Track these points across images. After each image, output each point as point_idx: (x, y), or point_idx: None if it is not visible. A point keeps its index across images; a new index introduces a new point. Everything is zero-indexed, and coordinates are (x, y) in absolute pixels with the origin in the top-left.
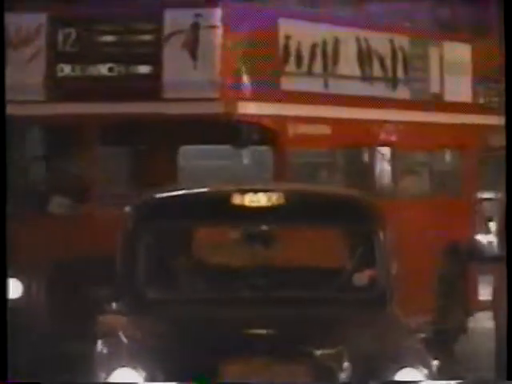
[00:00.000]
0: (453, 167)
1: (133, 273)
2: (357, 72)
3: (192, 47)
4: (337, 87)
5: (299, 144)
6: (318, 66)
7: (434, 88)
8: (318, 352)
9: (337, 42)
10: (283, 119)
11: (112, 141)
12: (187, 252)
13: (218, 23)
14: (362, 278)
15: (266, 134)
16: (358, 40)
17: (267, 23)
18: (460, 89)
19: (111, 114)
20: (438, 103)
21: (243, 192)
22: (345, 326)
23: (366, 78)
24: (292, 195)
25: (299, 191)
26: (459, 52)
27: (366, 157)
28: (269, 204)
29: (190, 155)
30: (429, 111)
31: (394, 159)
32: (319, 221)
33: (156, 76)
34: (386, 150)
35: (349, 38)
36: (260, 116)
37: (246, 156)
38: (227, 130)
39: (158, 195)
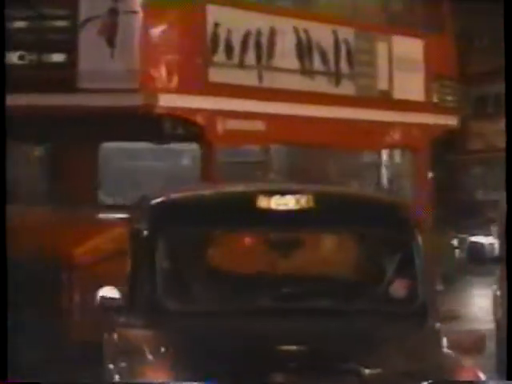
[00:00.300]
0: (402, 168)
1: (150, 283)
2: (295, 65)
3: (109, 34)
4: (272, 81)
5: (230, 141)
6: (251, 58)
7: (382, 84)
8: (367, 371)
9: (273, 32)
10: (211, 114)
11: (24, 135)
12: (208, 259)
13: (138, 8)
14: (400, 289)
15: (191, 129)
16: (296, 31)
17: (194, 9)
18: (411, 86)
19: (22, 106)
20: (386, 100)
21: (269, 194)
22: (387, 342)
23: (306, 71)
24: (322, 198)
25: (330, 193)
26: (410, 47)
27: (306, 157)
28: (297, 207)
29: (119, 155)
30: (376, 109)
31: (337, 159)
32: (353, 226)
33: (71, 65)
34: (328, 150)
35: (286, 29)
36: (185, 109)
37: (186, 156)
38: (148, 125)
39: (176, 196)
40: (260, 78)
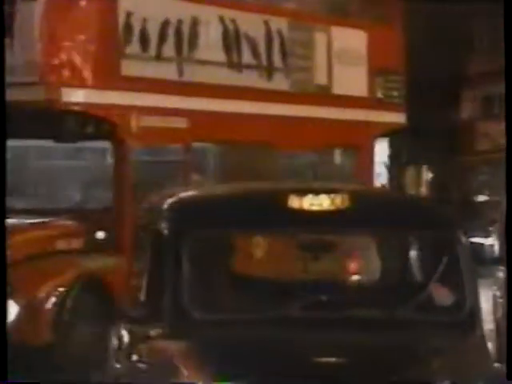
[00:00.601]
0: (344, 169)
1: (175, 290)
2: (221, 57)
3: (8, 23)
4: (195, 74)
5: (146, 139)
6: (169, 49)
7: (320, 79)
8: None
9: (195, 21)
10: (124, 110)
11: None
12: (235, 264)
13: None
14: (447, 296)
15: (101, 126)
16: (222, 20)
17: None
18: (353, 81)
19: None
20: (324, 96)
21: (302, 193)
22: (435, 353)
23: (234, 64)
24: (359, 197)
25: (367, 193)
26: (352, 39)
27: (238, 156)
28: (332, 207)
29: (32, 154)
30: (313, 105)
31: (272, 159)
32: (392, 227)
33: None
34: (262, 149)
35: (211, 18)
36: (93, 105)
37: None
38: (53, 122)
39: (200, 195)
40: (180, 71)
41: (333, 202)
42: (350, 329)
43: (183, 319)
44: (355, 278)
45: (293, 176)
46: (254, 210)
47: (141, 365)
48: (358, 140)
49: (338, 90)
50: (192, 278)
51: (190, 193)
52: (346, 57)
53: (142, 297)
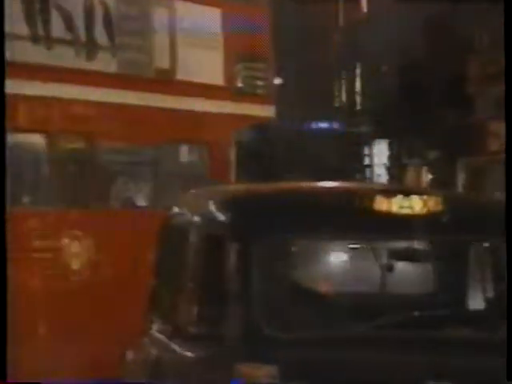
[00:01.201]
0: (191, 168)
1: (245, 305)
2: (23, 30)
3: None
4: None
5: None
6: None
7: (160, 62)
8: None
9: None
10: None
11: None
12: (309, 274)
13: None
14: None
15: None
16: None
17: None
18: (204, 66)
19: None
20: (165, 82)
21: (390, 194)
22: None
23: (39, 39)
24: (453, 200)
25: (459, 196)
26: (202, 17)
27: (58, 149)
28: (423, 211)
29: None
30: (151, 91)
31: (93, 155)
32: (491, 236)
33: None
34: (76, 140)
35: None
36: None
37: None
38: None
39: (267, 194)
40: None
41: (425, 204)
42: (447, 350)
43: (255, 337)
44: (442, 292)
45: (131, 175)
46: (334, 214)
47: None
48: (210, 135)
49: (183, 75)
50: (263, 291)
51: (249, 192)
52: (195, 38)
53: (195, 312)
